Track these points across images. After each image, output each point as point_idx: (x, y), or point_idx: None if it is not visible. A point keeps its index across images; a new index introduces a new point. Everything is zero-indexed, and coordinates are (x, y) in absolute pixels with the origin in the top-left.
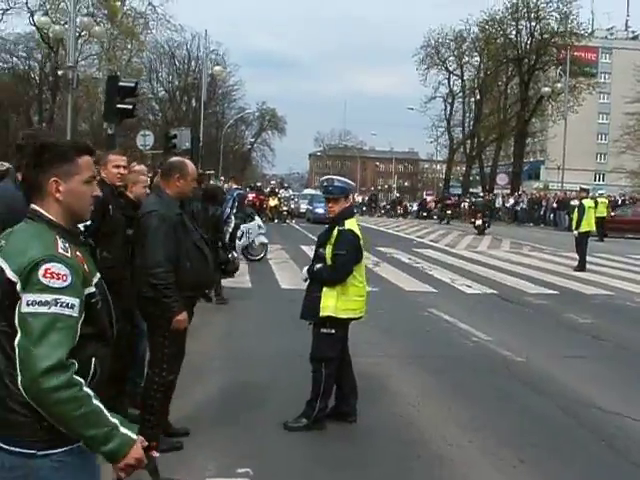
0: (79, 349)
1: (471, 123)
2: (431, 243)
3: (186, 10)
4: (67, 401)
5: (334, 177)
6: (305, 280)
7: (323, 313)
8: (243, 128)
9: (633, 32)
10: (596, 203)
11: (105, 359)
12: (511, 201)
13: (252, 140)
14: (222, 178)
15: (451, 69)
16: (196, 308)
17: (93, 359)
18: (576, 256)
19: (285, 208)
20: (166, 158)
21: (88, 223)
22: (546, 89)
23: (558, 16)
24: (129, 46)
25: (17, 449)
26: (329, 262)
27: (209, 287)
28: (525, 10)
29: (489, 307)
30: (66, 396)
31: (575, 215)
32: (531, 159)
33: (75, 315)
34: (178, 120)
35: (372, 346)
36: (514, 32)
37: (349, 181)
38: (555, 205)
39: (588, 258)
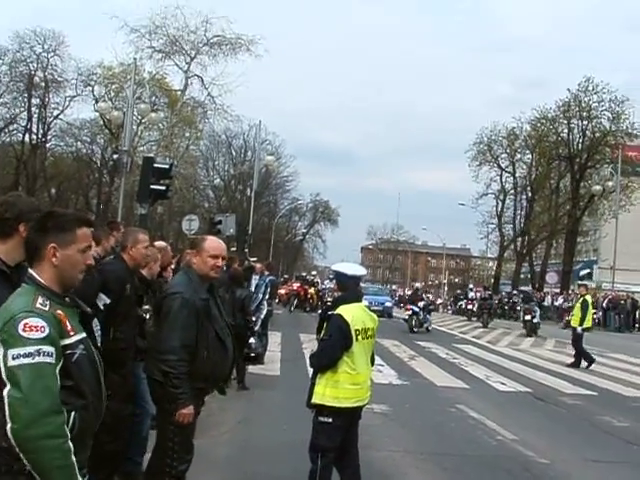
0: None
1: (522, 220)
2: (472, 339)
3: (245, 101)
4: (51, 450)
5: (341, 264)
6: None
7: (314, 400)
8: (296, 219)
9: None
10: None
11: (87, 417)
12: (560, 300)
13: (304, 231)
14: (254, 259)
15: (503, 166)
16: (215, 394)
17: (73, 413)
18: (620, 357)
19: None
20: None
21: (108, 301)
22: (597, 187)
23: (610, 115)
24: (187, 134)
25: None
26: None
27: (224, 380)
28: (577, 109)
29: (520, 406)
30: (51, 445)
31: (578, 311)
32: (584, 258)
33: (53, 362)
34: (232, 208)
35: (390, 440)
36: (566, 130)
37: (350, 268)
38: (605, 305)
39: (624, 357)
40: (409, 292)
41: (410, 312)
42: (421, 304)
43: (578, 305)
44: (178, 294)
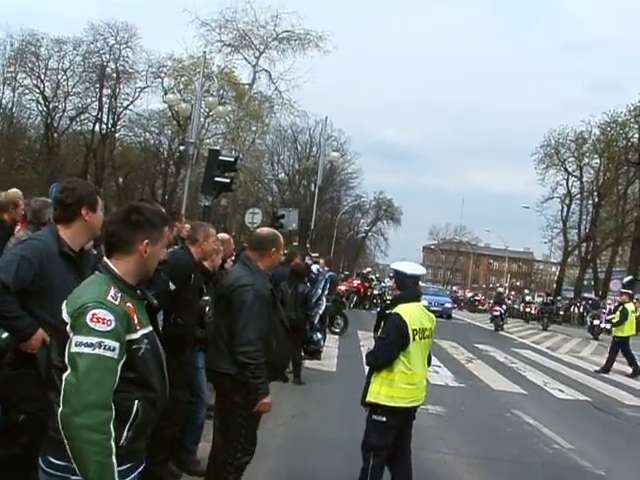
0: (122, 391)
1: (587, 226)
2: (532, 344)
3: (313, 97)
4: (92, 443)
5: (401, 263)
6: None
7: (368, 398)
8: (359, 216)
9: None
10: None
11: (151, 407)
12: None
13: (367, 228)
14: (316, 255)
15: (570, 170)
16: (271, 386)
17: (136, 402)
18: None
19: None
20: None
21: (173, 288)
22: None
23: None
24: (253, 128)
25: (59, 462)
26: None
27: (286, 367)
28: None
29: (578, 414)
30: (93, 439)
31: (617, 318)
32: None
33: (115, 357)
34: (295, 203)
35: (443, 442)
36: (637, 135)
37: (410, 267)
38: None
39: None
40: (469, 295)
41: (497, 313)
42: (504, 307)
43: (618, 313)
44: (249, 286)
